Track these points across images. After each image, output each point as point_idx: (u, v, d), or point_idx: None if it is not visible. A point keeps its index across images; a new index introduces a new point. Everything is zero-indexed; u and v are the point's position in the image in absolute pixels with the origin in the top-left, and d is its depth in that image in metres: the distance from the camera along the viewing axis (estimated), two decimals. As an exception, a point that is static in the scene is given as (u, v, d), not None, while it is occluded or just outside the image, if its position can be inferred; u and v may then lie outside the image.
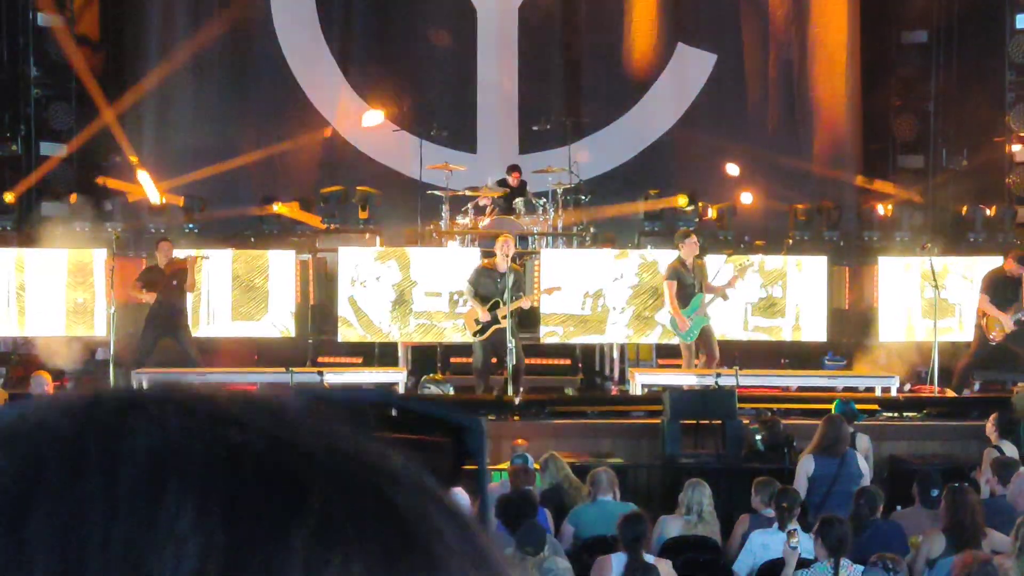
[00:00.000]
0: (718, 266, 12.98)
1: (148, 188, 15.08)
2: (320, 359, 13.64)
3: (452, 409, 0.68)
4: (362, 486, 0.56)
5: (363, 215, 15.07)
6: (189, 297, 13.06)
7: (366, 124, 16.55)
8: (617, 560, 6.73)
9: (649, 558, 6.75)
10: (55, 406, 0.58)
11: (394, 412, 0.68)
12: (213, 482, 0.54)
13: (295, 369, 12.27)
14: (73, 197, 14.92)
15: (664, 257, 13.26)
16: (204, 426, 0.56)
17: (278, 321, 13.88)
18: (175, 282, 12.79)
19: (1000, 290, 12.51)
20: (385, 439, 0.59)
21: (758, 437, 10.38)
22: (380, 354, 13.73)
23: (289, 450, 0.56)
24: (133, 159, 15.61)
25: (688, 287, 12.29)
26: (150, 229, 14.99)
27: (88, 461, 0.54)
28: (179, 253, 13.23)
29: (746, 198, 16.02)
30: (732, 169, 16.35)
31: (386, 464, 0.58)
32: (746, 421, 10.72)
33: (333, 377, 11.85)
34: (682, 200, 15.38)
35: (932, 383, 12.83)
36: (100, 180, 15.66)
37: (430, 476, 0.59)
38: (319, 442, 0.57)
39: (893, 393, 12.25)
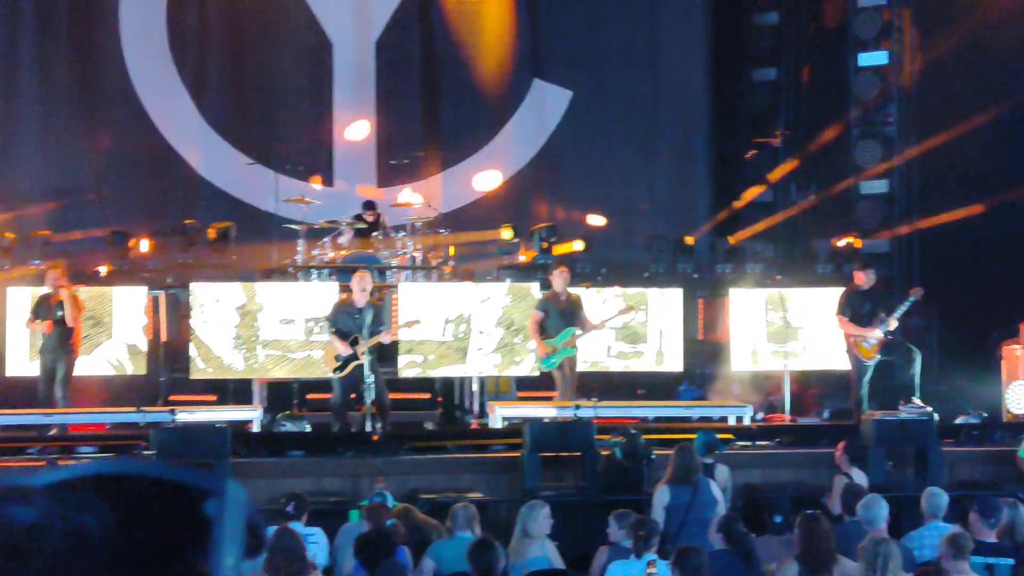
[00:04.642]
0: (605, 297, 13.28)
1: None
2: (172, 397, 13.29)
3: (199, 474, 0.64)
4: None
5: (217, 249, 14.78)
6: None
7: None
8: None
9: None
10: None
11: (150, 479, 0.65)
12: None
13: (146, 408, 11.94)
14: None
15: (522, 290, 13.35)
16: None
17: (111, 357, 13.44)
18: (59, 313, 12.27)
19: (856, 306, 12.34)
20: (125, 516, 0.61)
21: (617, 446, 10.45)
22: (235, 391, 13.45)
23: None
24: None
25: (556, 318, 12.36)
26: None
27: None
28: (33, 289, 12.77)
29: (599, 228, 16.26)
30: (596, 220, 16.55)
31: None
32: (607, 437, 10.79)
33: (186, 416, 11.52)
34: (506, 233, 15.65)
35: (784, 411, 13.12)
36: None
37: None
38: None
39: (746, 422, 12.45)
